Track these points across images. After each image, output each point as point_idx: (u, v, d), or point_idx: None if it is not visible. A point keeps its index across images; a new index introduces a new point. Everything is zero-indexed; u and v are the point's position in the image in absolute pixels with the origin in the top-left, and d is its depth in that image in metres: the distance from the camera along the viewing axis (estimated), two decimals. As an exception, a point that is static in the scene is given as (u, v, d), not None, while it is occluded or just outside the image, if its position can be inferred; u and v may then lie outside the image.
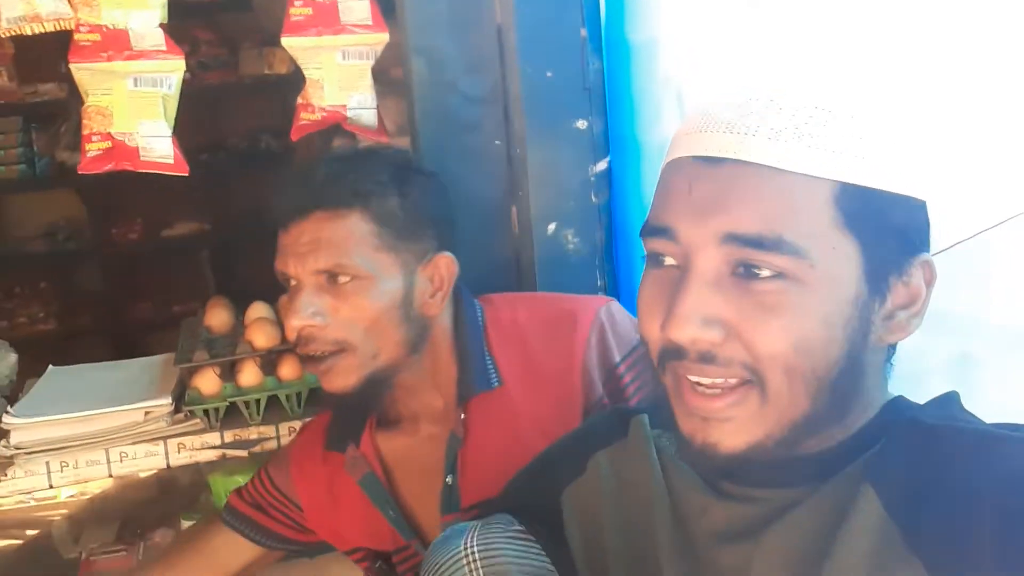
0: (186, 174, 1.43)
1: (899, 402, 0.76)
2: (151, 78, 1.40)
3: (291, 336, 1.14)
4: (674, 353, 0.70)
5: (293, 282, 1.15)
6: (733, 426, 0.70)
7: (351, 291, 1.11)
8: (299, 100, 1.48)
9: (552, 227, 1.43)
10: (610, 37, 1.43)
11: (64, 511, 1.67)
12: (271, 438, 1.52)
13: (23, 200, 3.93)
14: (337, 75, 1.44)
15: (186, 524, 1.57)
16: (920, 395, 0.76)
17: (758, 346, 0.68)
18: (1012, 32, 0.85)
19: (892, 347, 0.75)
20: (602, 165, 1.44)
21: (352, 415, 1.25)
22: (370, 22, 1.44)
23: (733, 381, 0.69)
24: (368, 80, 1.45)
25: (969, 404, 0.75)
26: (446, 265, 1.17)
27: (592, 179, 1.44)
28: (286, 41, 1.45)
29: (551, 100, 1.40)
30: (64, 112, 3.77)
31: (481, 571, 0.81)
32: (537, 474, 0.95)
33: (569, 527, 0.87)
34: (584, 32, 1.41)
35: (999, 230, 0.89)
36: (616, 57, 1.42)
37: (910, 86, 0.94)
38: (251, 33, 3.80)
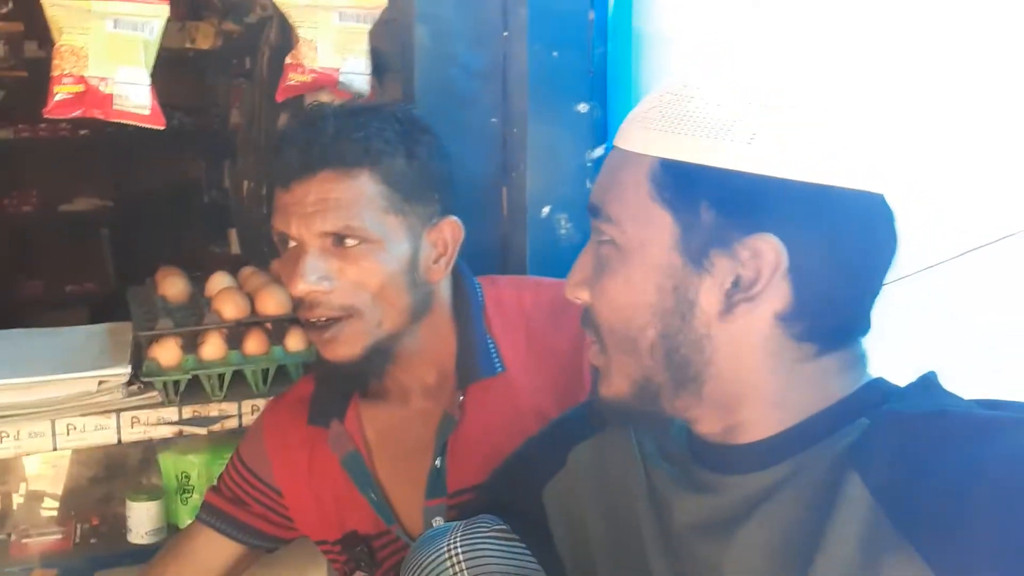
0: (162, 127, 1.33)
1: (879, 384, 0.75)
2: (132, 21, 1.29)
3: (297, 295, 1.07)
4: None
5: (292, 243, 1.08)
6: (602, 377, 0.78)
7: (359, 255, 1.06)
8: (288, 60, 1.40)
9: (546, 210, 1.40)
10: (616, 24, 1.41)
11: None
12: (232, 415, 1.42)
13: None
14: (332, 37, 1.37)
15: (132, 504, 1.45)
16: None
17: (594, 303, 0.76)
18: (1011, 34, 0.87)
19: (813, 333, 0.72)
20: (599, 151, 1.43)
21: (340, 388, 1.19)
22: (370, -15, 1.38)
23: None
24: (364, 45, 1.39)
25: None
26: (451, 229, 1.12)
27: (589, 164, 1.42)
28: (278, -3, 1.37)
29: (555, 80, 1.38)
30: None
31: (466, 571, 0.80)
32: (517, 471, 0.94)
33: (553, 522, 0.86)
34: (592, 15, 1.39)
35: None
36: (620, 44, 1.41)
37: (917, 90, 0.96)
38: (173, 6, 3.62)
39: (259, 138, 2.45)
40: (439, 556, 0.81)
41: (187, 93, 3.84)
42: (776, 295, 0.70)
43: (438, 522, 1.11)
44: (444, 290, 1.16)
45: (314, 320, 1.08)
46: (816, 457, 0.70)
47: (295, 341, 1.46)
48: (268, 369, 1.43)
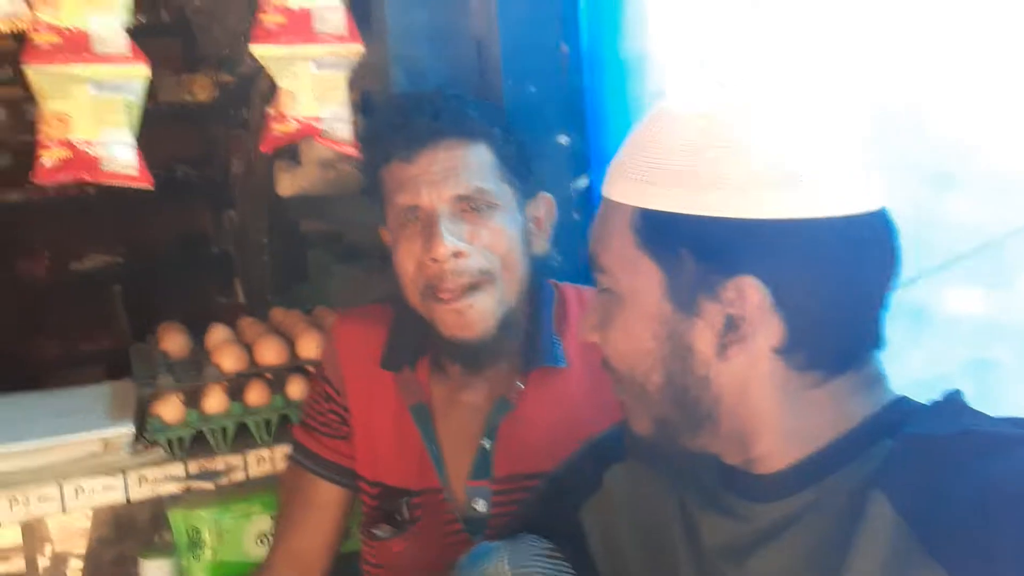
0: (151, 187, 1.35)
1: (902, 403, 0.75)
2: (114, 84, 1.32)
3: (439, 258, 1.08)
4: None
5: (420, 213, 1.10)
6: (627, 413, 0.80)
7: (488, 217, 1.11)
8: (270, 111, 1.42)
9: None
10: (591, 53, 1.42)
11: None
12: (238, 468, 1.43)
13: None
14: (311, 86, 1.39)
15: (146, 564, 1.46)
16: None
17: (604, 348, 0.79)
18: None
19: (816, 361, 0.72)
20: (583, 181, 1.43)
21: (414, 336, 1.20)
22: (345, 33, 1.40)
23: None
24: (343, 92, 1.41)
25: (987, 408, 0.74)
26: (547, 202, 1.19)
27: (574, 195, 1.42)
28: (256, 49, 1.39)
29: (534, 114, 1.38)
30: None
31: None
32: (554, 493, 0.94)
33: (592, 542, 0.87)
34: (565, 48, 1.40)
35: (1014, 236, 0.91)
36: (597, 74, 1.42)
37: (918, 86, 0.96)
38: (170, 60, 3.68)
39: (257, 187, 2.48)
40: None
41: (189, 145, 3.89)
42: (768, 330, 0.71)
43: (479, 504, 1.14)
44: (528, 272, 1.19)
45: (452, 289, 1.09)
46: (841, 481, 0.71)
47: (296, 389, 1.47)
48: (271, 419, 1.44)
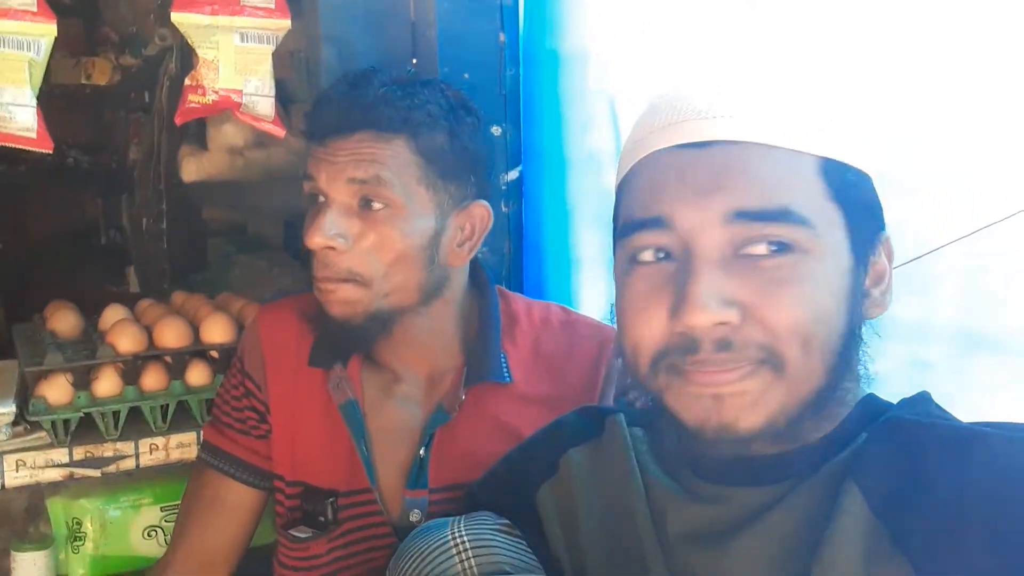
0: (50, 151, 1.26)
1: (872, 400, 0.76)
2: (17, 40, 1.22)
3: (311, 247, 1.06)
4: (682, 348, 0.68)
5: (321, 199, 1.06)
6: (747, 400, 0.68)
7: (381, 219, 1.04)
8: (187, 82, 1.34)
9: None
10: (528, 45, 1.40)
11: None
12: (129, 456, 1.34)
13: None
14: (234, 58, 1.32)
15: (18, 556, 1.34)
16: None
17: (776, 322, 0.67)
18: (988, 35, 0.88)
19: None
20: (514, 174, 1.41)
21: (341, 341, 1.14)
22: (272, 6, 1.33)
23: (749, 367, 0.68)
24: (267, 66, 1.34)
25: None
26: (480, 214, 1.11)
27: (504, 187, 1.40)
28: (176, 16, 1.31)
29: (467, 103, 1.35)
30: None
31: (473, 561, 0.75)
32: (508, 474, 0.91)
33: (548, 526, 0.83)
34: (503, 37, 1.37)
35: (948, 238, 0.92)
36: (534, 66, 1.40)
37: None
38: (69, 41, 3.51)
39: (158, 172, 2.37)
40: (443, 545, 0.77)
41: (83, 130, 3.71)
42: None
43: (416, 515, 1.09)
44: (459, 282, 1.14)
45: (321, 278, 1.06)
46: (819, 473, 0.70)
47: (197, 375, 1.39)
48: (168, 405, 1.36)
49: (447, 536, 0.77)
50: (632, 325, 0.72)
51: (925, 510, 0.64)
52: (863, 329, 0.73)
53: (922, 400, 0.75)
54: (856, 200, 0.71)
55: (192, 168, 2.19)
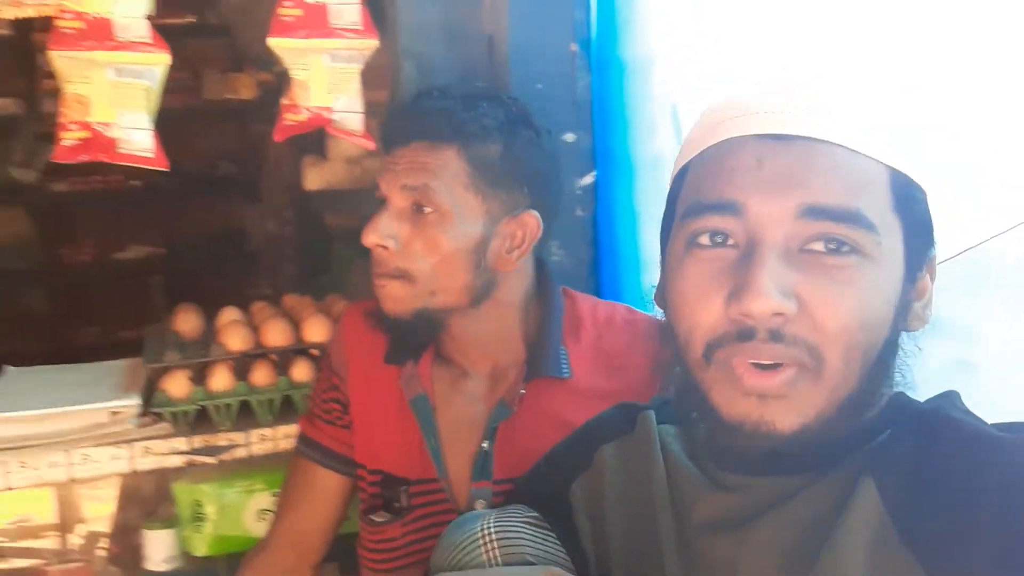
0: (166, 169, 1.40)
1: (901, 398, 0.76)
2: (134, 69, 1.37)
3: (365, 245, 1.15)
4: (738, 335, 0.69)
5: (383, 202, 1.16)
6: (788, 404, 0.69)
7: (430, 223, 1.12)
8: (284, 101, 1.46)
9: (537, 238, 1.43)
10: (600, 54, 1.44)
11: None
12: (240, 445, 1.48)
13: (-29, 217, 3.83)
14: (325, 77, 1.43)
15: (149, 534, 1.50)
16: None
17: (827, 321, 0.68)
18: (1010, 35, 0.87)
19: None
20: (588, 179, 1.45)
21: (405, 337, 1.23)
22: (360, 27, 1.43)
23: (793, 364, 0.69)
24: (356, 84, 1.44)
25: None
26: (531, 223, 1.16)
27: (579, 192, 1.44)
28: (273, 42, 1.44)
29: (540, 112, 1.40)
30: (17, 128, 3.71)
31: (498, 551, 0.80)
32: (547, 469, 0.95)
33: (578, 518, 0.87)
34: (575, 47, 1.42)
35: (999, 239, 0.91)
36: (605, 74, 1.44)
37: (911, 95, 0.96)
38: (217, 59, 3.78)
39: (284, 181, 2.54)
40: (472, 537, 0.81)
41: (231, 142, 3.98)
42: None
43: (481, 505, 1.16)
44: (517, 285, 1.19)
45: (376, 275, 1.16)
46: (841, 465, 0.71)
47: (300, 371, 1.50)
48: (274, 399, 1.48)
49: (477, 528, 0.82)
50: (689, 309, 0.72)
51: (935, 508, 0.64)
52: (903, 339, 0.74)
53: (948, 399, 0.75)
54: (916, 215, 0.73)
55: (314, 176, 2.34)
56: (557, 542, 0.84)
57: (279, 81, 2.94)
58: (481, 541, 0.81)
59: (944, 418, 0.71)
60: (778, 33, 1.13)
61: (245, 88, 3.67)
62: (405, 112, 1.17)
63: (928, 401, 0.75)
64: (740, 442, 0.75)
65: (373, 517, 1.23)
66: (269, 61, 3.09)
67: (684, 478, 0.80)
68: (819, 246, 0.69)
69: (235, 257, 3.75)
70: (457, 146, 1.12)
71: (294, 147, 2.49)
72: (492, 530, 0.82)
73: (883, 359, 0.71)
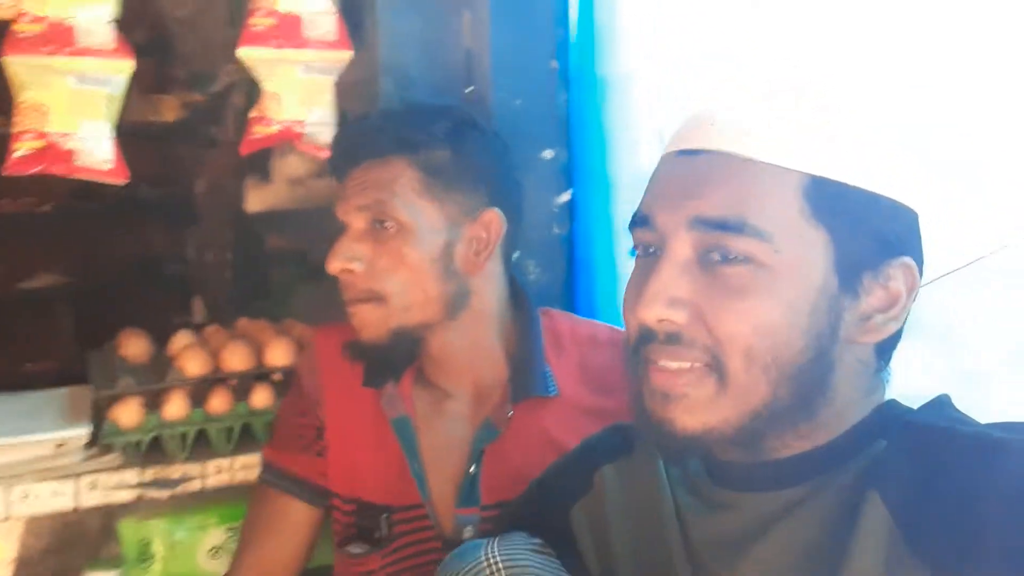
0: (126, 180, 1.31)
1: (892, 406, 0.76)
2: (96, 77, 1.29)
3: (330, 272, 1.13)
4: (645, 336, 0.73)
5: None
6: (688, 404, 0.71)
7: (392, 238, 1.10)
8: (252, 113, 1.40)
9: (515, 255, 1.39)
10: (578, 71, 1.43)
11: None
12: (195, 478, 1.38)
13: None
14: (297, 89, 1.37)
15: None
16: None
17: (719, 328, 0.70)
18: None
19: (884, 352, 0.76)
20: (565, 196, 1.43)
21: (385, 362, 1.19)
22: (335, 38, 1.38)
23: (698, 366, 0.71)
24: (329, 96, 1.39)
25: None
26: (493, 221, 1.13)
27: (555, 210, 1.42)
28: (243, 51, 1.37)
29: (519, 128, 1.38)
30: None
31: None
32: (542, 493, 0.93)
33: (582, 542, 0.86)
34: (555, 63, 1.40)
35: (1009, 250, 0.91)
36: (583, 91, 1.42)
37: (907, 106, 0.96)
38: (141, 80, 3.65)
39: (223, 204, 2.44)
40: (477, 566, 0.79)
41: (150, 165, 3.83)
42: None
43: (468, 532, 1.11)
44: (491, 292, 1.16)
45: (346, 302, 1.13)
46: (833, 478, 0.71)
47: (261, 398, 1.42)
48: (233, 427, 1.40)
49: (481, 558, 0.79)
50: (623, 312, 0.77)
51: (942, 515, 0.64)
52: (856, 352, 0.73)
53: (941, 405, 0.75)
54: (851, 221, 0.71)
55: (256, 199, 2.26)
56: (562, 568, 0.82)
57: (211, 102, 2.85)
58: (488, 571, 0.79)
59: (945, 422, 0.71)
60: (758, 50, 1.13)
61: (169, 110, 3.53)
62: (348, 135, 1.16)
63: (921, 408, 0.75)
64: (730, 457, 0.76)
65: (351, 548, 1.16)
66: (202, 80, 3.00)
67: (685, 496, 0.80)
68: (716, 255, 0.70)
69: (156, 284, 3.59)
70: (406, 156, 1.10)
71: (233, 168, 2.40)
72: (498, 558, 0.79)
73: (811, 371, 0.70)
